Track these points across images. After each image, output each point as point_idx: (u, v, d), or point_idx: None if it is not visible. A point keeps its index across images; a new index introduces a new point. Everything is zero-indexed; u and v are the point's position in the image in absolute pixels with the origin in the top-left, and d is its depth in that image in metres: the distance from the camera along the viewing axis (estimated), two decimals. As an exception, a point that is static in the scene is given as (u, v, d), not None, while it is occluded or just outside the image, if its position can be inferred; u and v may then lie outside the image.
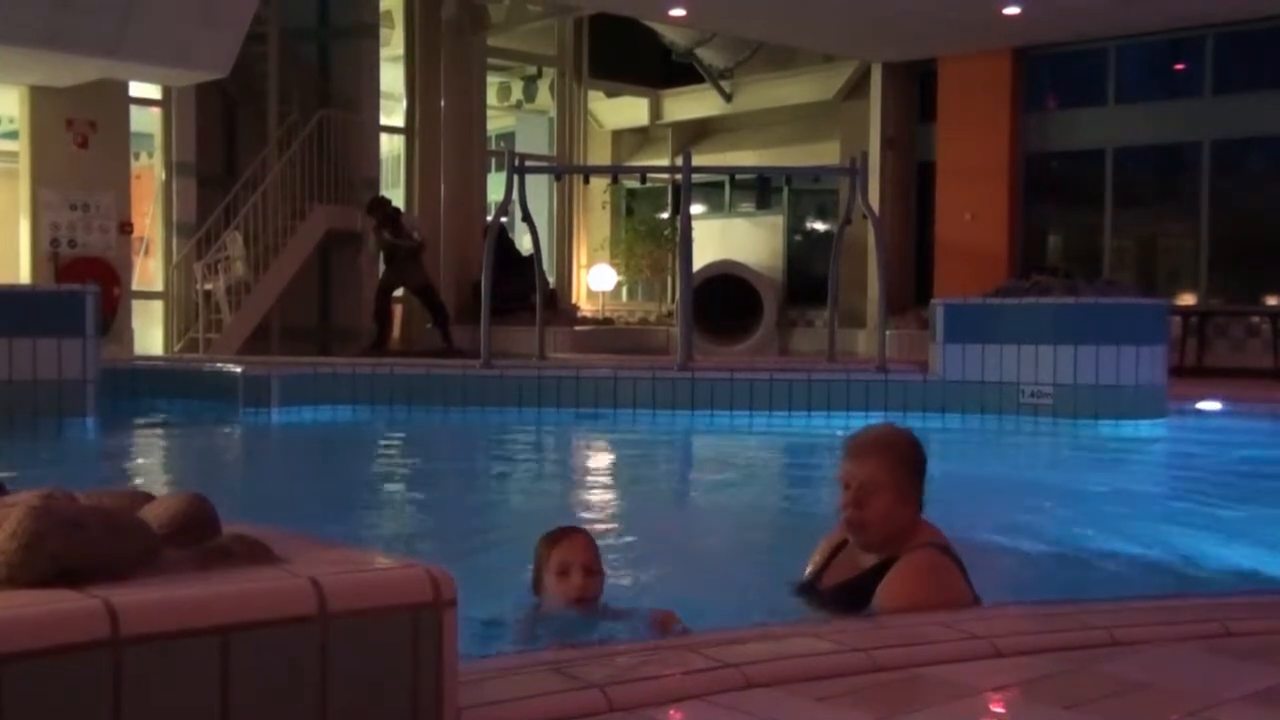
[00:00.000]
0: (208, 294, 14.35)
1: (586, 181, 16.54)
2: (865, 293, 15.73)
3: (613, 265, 18.96)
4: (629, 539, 5.30)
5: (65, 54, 11.57)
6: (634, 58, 19.29)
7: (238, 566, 1.78)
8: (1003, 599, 3.47)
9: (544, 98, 19.76)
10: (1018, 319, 9.06)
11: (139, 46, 11.62)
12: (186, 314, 14.76)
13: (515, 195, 10.63)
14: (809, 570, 3.42)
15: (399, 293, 14.90)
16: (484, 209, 17.14)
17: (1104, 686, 2.36)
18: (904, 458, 3.22)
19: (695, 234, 10.55)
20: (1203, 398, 9.67)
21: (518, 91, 20.22)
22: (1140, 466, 7.94)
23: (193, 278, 14.53)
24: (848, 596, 3.17)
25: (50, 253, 13.39)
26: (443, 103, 16.63)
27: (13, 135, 14.13)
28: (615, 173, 16.46)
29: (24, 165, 13.53)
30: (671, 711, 2.17)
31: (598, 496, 6.64)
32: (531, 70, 19.69)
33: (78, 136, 13.50)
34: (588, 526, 5.52)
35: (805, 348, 16.74)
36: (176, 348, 14.51)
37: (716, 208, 19.62)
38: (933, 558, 3.13)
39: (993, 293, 12.09)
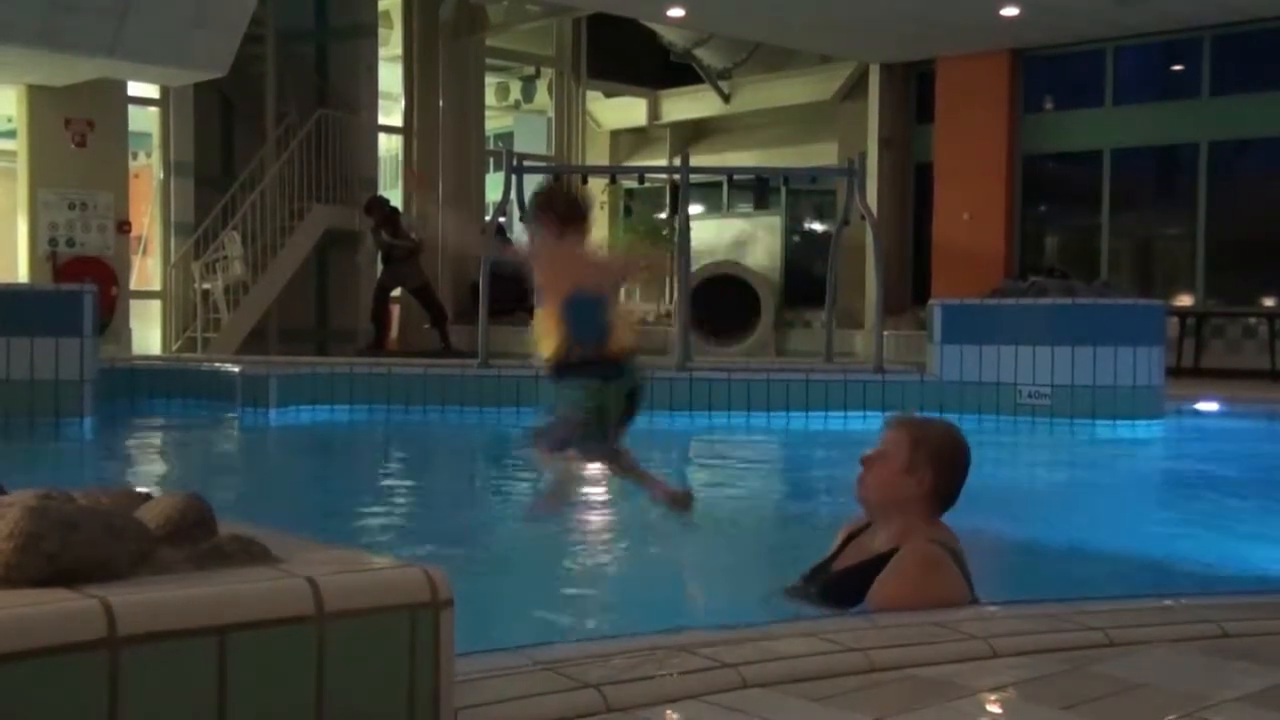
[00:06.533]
0: (206, 294, 14.34)
1: (585, 181, 16.42)
2: (863, 293, 15.71)
3: (611, 265, 18.90)
4: (627, 539, 5.31)
5: (63, 53, 11.56)
6: (632, 58, 19.26)
7: (234, 566, 1.78)
8: (999, 599, 3.47)
9: (542, 98, 19.74)
10: (1015, 320, 9.06)
11: (137, 46, 11.60)
12: (184, 314, 14.74)
13: (513, 195, 10.63)
14: (829, 554, 3.45)
15: (397, 293, 14.88)
16: (482, 209, 17.13)
17: (1100, 687, 2.36)
18: (928, 441, 3.24)
19: (693, 234, 10.54)
20: (1199, 398, 9.67)
21: (516, 91, 20.19)
22: (1137, 467, 7.94)
23: (191, 277, 14.52)
24: (852, 581, 3.21)
25: (48, 252, 13.38)
26: (441, 103, 16.62)
27: (11, 135, 14.11)
28: (613, 173, 16.43)
29: (22, 164, 13.52)
30: (668, 712, 2.17)
31: (595, 496, 6.63)
32: (530, 70, 19.66)
33: (76, 136, 13.48)
34: (585, 527, 5.55)
35: (803, 348, 16.71)
36: (174, 347, 14.50)
37: (714, 208, 19.60)
38: (932, 553, 3.15)
39: (990, 294, 12.11)
